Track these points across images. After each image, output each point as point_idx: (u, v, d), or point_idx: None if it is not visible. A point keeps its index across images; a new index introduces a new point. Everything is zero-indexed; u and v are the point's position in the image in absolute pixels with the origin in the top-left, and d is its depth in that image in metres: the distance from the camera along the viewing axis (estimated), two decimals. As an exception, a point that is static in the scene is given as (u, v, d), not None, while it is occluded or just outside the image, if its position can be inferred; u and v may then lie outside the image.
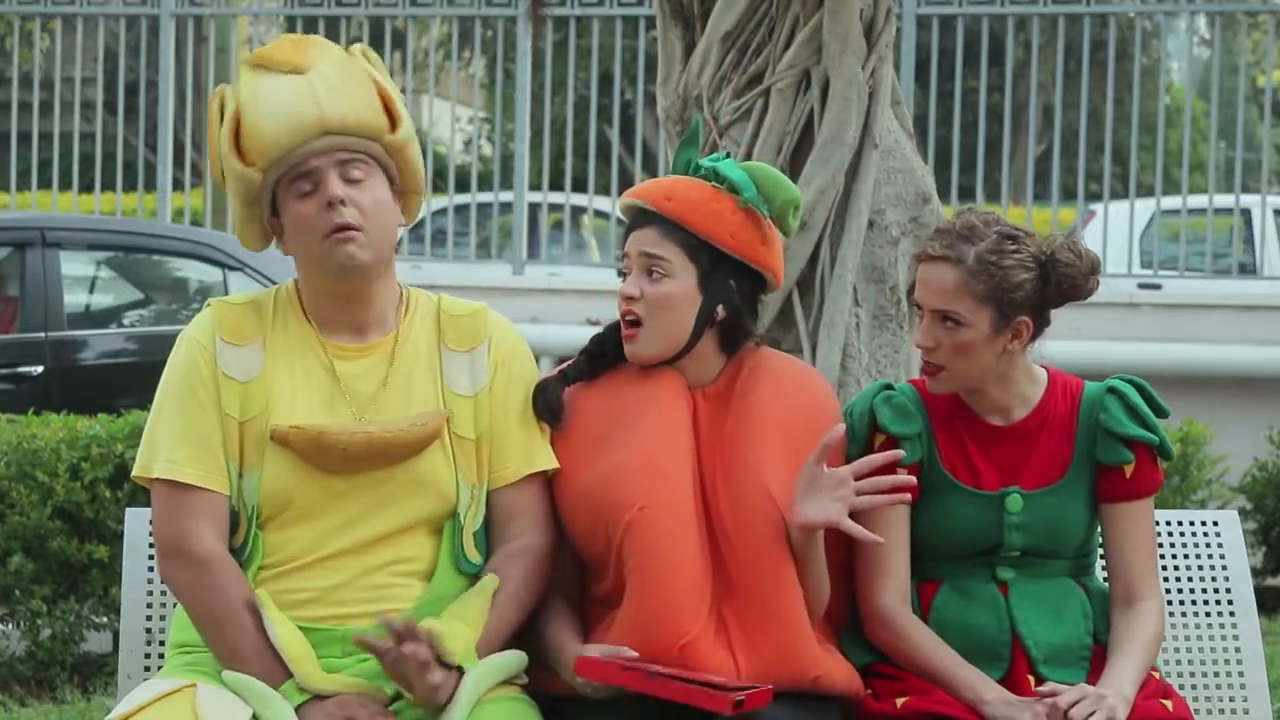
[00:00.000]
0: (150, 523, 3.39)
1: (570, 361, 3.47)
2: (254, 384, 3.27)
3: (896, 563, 3.45)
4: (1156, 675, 3.44)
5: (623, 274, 3.43)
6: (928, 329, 3.40)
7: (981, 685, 3.34)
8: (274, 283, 10.04)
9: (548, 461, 3.37)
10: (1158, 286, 11.37)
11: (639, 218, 3.43)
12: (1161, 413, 3.50)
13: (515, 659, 3.29)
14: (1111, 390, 3.48)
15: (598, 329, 3.52)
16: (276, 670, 3.17)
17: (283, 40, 3.34)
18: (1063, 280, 3.41)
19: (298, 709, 3.15)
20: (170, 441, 3.26)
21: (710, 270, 3.40)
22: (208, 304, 3.38)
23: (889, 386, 3.52)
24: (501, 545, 3.35)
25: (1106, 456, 3.46)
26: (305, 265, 3.35)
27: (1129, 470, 3.46)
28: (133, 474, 3.34)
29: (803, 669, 3.27)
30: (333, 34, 16.23)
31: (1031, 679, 3.38)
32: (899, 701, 3.35)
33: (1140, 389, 3.50)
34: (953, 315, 3.37)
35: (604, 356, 3.46)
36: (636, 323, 3.39)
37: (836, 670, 3.34)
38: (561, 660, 3.28)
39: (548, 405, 3.39)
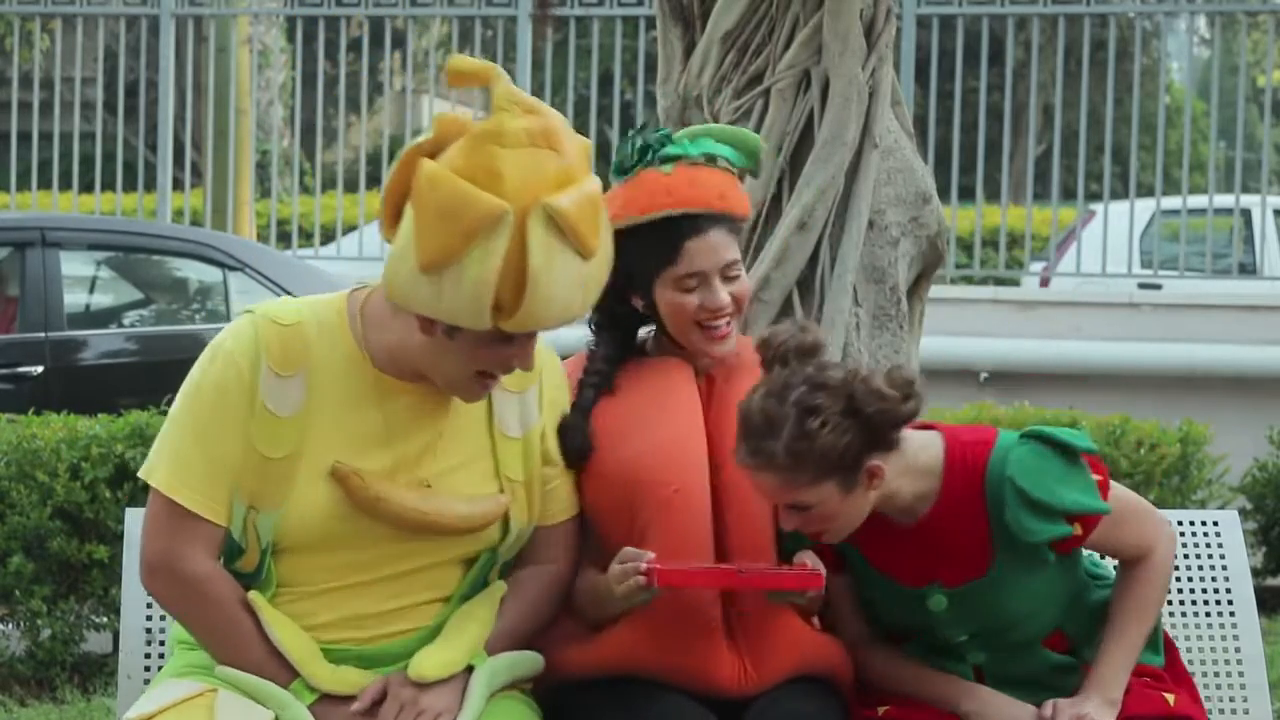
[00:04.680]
0: (133, 527, 3.25)
1: (579, 396, 3.39)
2: (293, 420, 3.11)
3: (847, 617, 3.37)
4: (1159, 666, 3.39)
5: (689, 289, 3.34)
6: (786, 518, 3.18)
7: (965, 696, 3.30)
8: (275, 283, 9.93)
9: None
10: (1158, 286, 11.38)
11: (693, 224, 3.35)
12: (1075, 455, 3.21)
13: (531, 658, 3.27)
14: (1010, 480, 3.18)
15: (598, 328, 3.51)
16: (282, 674, 3.13)
17: (592, 199, 3.03)
18: (879, 421, 3.12)
19: (311, 708, 3.11)
20: (182, 459, 3.11)
21: None
22: (248, 313, 3.18)
23: None
24: (527, 566, 3.32)
25: (1033, 553, 3.22)
26: (431, 363, 3.11)
27: (1076, 530, 3.23)
28: (140, 472, 3.20)
29: (804, 650, 3.30)
30: (333, 33, 16.23)
31: None
32: (880, 710, 3.34)
33: (1050, 443, 3.20)
34: (800, 505, 3.15)
35: (606, 385, 3.41)
36: (727, 323, 3.39)
37: (833, 647, 3.36)
38: (600, 592, 3.26)
39: (578, 450, 3.33)
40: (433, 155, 3.02)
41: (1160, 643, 3.45)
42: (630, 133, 3.52)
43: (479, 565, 3.26)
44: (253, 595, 3.15)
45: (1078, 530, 3.23)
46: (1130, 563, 3.34)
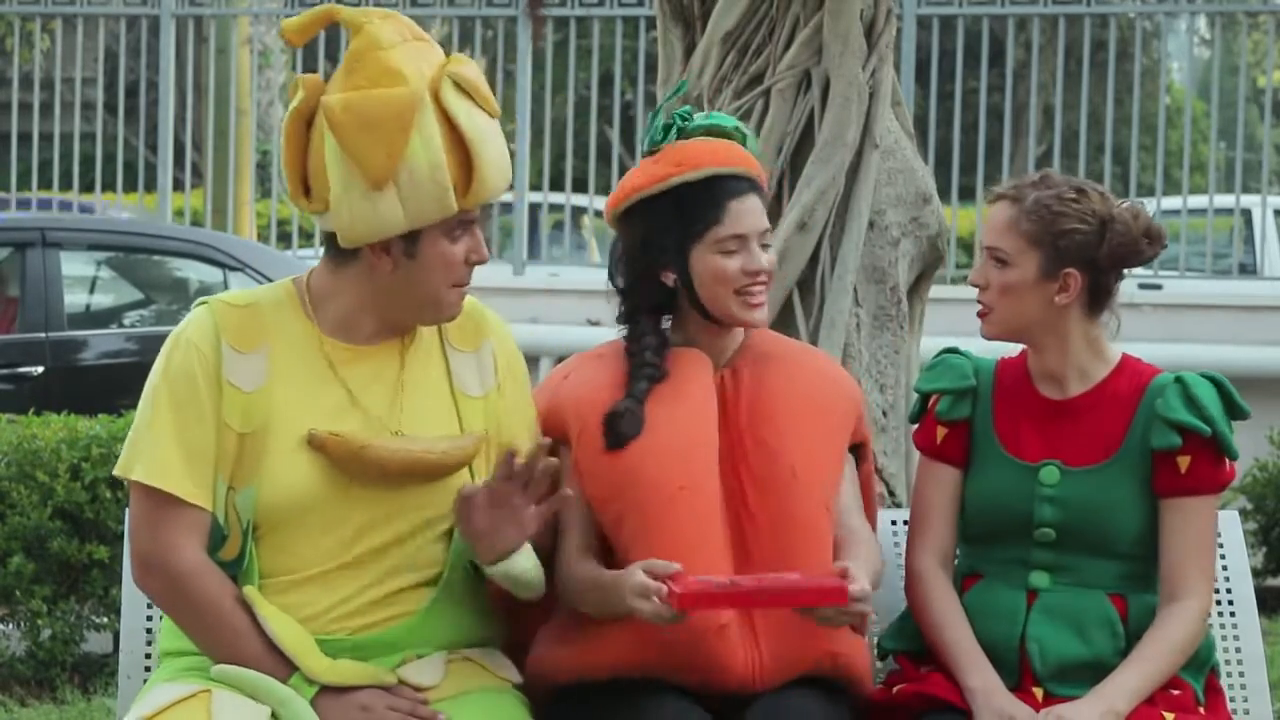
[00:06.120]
0: (127, 527, 3.22)
1: (633, 386, 3.35)
2: (258, 394, 3.15)
3: (938, 524, 3.46)
4: (1177, 692, 3.36)
5: (730, 251, 3.34)
6: (980, 268, 3.43)
7: (975, 672, 3.32)
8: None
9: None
10: (1158, 286, 11.37)
11: (737, 186, 3.37)
12: (1239, 413, 3.44)
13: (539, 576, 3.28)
14: (1179, 380, 3.43)
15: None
16: (280, 668, 3.12)
17: (469, 66, 3.15)
18: (1115, 240, 3.39)
19: (312, 702, 3.11)
20: (161, 447, 3.13)
21: None
22: (202, 303, 3.23)
23: (954, 350, 3.54)
24: None
25: (1156, 441, 3.38)
26: (403, 295, 3.18)
27: (1184, 464, 3.38)
28: (116, 470, 3.21)
29: (824, 647, 3.27)
30: (333, 33, 16.22)
31: (1040, 691, 3.33)
32: (895, 689, 3.36)
33: (1218, 385, 3.43)
34: (1001, 253, 3.38)
35: (659, 376, 3.37)
36: (763, 290, 3.40)
37: (858, 651, 3.34)
38: (610, 593, 3.19)
39: (631, 433, 3.31)
40: (311, 116, 3.13)
41: (1205, 671, 3.45)
42: (652, 113, 3.53)
43: (459, 537, 3.24)
44: (248, 590, 3.15)
45: (1186, 464, 3.36)
46: (1169, 598, 3.37)
